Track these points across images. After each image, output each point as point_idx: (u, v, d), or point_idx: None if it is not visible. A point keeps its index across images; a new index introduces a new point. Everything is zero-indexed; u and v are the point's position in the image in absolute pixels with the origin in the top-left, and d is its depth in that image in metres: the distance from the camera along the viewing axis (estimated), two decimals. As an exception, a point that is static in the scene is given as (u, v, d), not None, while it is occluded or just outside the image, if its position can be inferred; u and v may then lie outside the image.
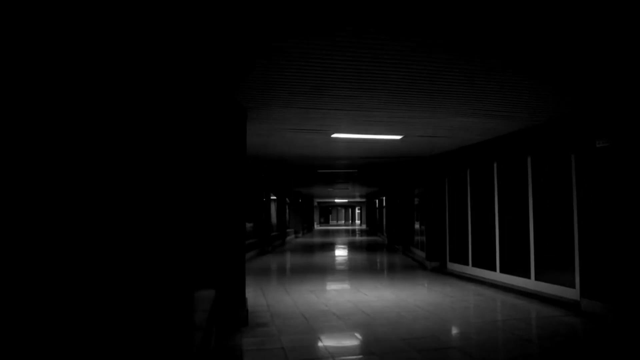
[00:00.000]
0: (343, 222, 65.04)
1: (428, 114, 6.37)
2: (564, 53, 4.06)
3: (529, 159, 7.72)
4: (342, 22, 3.38)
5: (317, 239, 25.77)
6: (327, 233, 33.98)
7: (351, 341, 4.96)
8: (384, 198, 24.81)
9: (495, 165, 8.78)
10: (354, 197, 35.97)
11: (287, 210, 27.87)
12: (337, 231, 37.42)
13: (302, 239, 26.05)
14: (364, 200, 40.83)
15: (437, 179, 11.12)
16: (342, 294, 7.76)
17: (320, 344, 4.83)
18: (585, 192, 6.29)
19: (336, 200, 45.09)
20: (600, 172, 6.04)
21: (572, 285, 6.62)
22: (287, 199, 25.39)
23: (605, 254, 5.92)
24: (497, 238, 8.65)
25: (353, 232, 35.98)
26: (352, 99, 5.57)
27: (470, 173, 9.80)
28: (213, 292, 5.16)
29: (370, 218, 34.76)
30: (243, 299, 5.79)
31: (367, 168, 13.74)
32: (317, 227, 48.81)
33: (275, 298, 7.47)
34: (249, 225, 17.39)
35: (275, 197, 22.02)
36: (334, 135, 7.80)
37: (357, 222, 59.74)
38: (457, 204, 10.37)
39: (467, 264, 9.73)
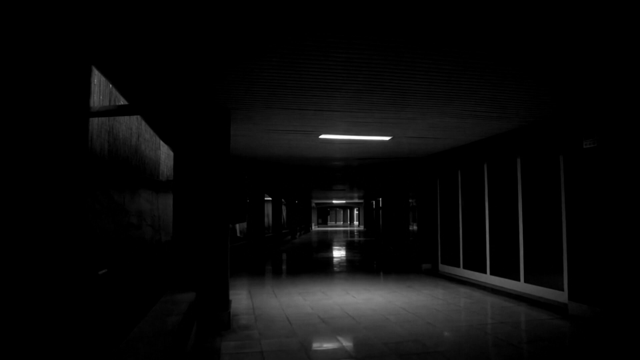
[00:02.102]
0: (341, 223, 64.96)
1: (412, 115, 6.30)
2: (549, 56, 3.99)
3: (518, 160, 7.65)
4: (327, 26, 3.31)
5: (315, 241, 25.69)
6: (324, 234, 33.90)
7: (332, 345, 4.88)
8: (380, 199, 24.74)
9: (485, 166, 8.71)
10: (352, 198, 35.87)
11: (283, 211, 27.79)
12: (334, 232, 37.34)
13: (298, 240, 25.96)
14: (362, 201, 40.74)
15: (428, 180, 11.04)
16: (330, 297, 7.68)
17: (300, 348, 4.75)
18: (573, 194, 6.22)
19: (334, 202, 45.00)
20: (587, 173, 5.97)
21: (561, 288, 6.54)
22: (283, 200, 25.31)
23: (593, 257, 5.84)
24: (487, 240, 8.57)
25: (350, 233, 35.90)
26: (335, 100, 5.50)
27: (461, 174, 9.72)
28: (193, 294, 5.08)
29: (368, 219, 34.69)
30: (226, 302, 5.71)
31: (360, 169, 13.66)
32: (315, 228, 48.71)
33: (262, 300, 7.39)
34: (243, 226, 17.30)
35: (270, 198, 21.95)
36: (322, 137, 7.73)
37: (356, 223, 59.64)
38: (449, 206, 10.29)
39: (459, 266, 9.65)
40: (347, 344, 4.91)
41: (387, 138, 7.93)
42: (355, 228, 48.22)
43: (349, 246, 20.99)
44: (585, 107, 5.88)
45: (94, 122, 8.33)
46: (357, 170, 13.87)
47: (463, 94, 5.27)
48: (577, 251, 6.10)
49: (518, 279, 7.54)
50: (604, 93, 5.28)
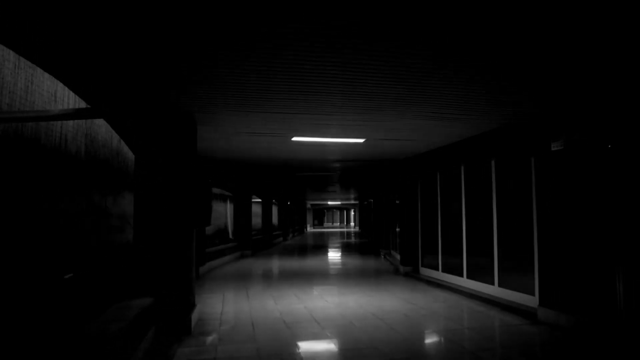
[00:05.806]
0: (338, 224, 64.84)
1: (382, 117, 6.21)
2: (517, 61, 3.91)
3: (492, 162, 7.57)
4: (290, 29, 3.23)
5: (306, 242, 25.59)
6: (318, 236, 33.79)
7: (288, 351, 4.80)
8: (372, 200, 24.66)
9: (462, 168, 8.62)
10: (348, 199, 35.80)
11: (276, 213, 27.69)
12: (329, 234, 37.22)
13: (290, 242, 25.87)
14: (357, 202, 40.66)
15: (410, 182, 10.96)
16: (303, 301, 7.59)
17: (254, 354, 4.66)
18: (543, 196, 6.14)
19: (329, 203, 44.92)
20: (556, 175, 5.89)
21: (533, 293, 6.45)
22: (273, 201, 25.21)
23: (563, 261, 5.76)
24: (464, 242, 8.48)
25: (345, 234, 35.79)
26: (303, 103, 5.42)
27: (440, 176, 9.64)
28: (149, 300, 5.00)
29: (362, 220, 34.61)
30: (187, 307, 5.63)
31: (345, 171, 13.58)
32: (310, 229, 48.60)
33: (233, 304, 7.31)
34: (233, 227, 17.19)
35: (260, 200, 21.84)
36: (295, 139, 7.65)
37: (352, 224, 59.59)
38: (429, 208, 10.21)
39: (438, 269, 9.56)
40: (304, 349, 4.82)
41: (360, 140, 7.86)
42: (352, 229, 48.12)
43: (339, 248, 20.89)
44: (553, 109, 5.80)
45: (69, 124, 8.25)
46: (341, 172, 13.79)
47: (432, 97, 5.19)
48: (547, 255, 6.02)
49: (492, 283, 7.46)
50: (571, 96, 5.20)
